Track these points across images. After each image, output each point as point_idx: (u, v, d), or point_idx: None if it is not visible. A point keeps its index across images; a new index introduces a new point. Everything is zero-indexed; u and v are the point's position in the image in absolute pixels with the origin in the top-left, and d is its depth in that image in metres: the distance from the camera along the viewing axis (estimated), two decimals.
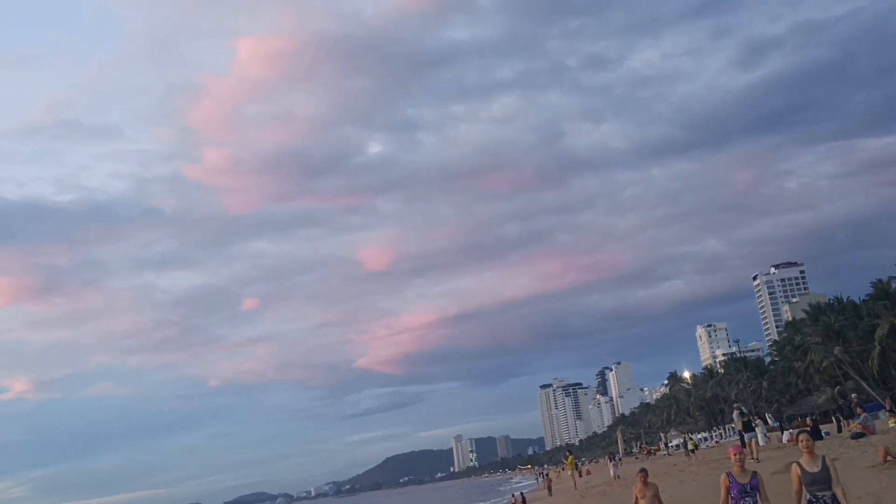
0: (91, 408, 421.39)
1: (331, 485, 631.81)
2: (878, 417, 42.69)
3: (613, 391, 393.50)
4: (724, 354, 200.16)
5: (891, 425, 35.93)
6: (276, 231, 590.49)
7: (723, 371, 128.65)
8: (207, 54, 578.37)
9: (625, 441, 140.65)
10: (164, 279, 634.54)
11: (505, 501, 79.44)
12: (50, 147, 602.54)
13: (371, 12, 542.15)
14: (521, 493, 63.66)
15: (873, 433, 33.30)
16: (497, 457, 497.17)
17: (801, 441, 9.93)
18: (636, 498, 13.80)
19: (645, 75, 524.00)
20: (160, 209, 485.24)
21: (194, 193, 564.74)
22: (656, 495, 13.66)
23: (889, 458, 20.86)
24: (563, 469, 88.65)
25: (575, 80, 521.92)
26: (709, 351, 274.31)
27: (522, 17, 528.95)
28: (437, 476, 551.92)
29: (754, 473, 10.16)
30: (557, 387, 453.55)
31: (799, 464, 9.77)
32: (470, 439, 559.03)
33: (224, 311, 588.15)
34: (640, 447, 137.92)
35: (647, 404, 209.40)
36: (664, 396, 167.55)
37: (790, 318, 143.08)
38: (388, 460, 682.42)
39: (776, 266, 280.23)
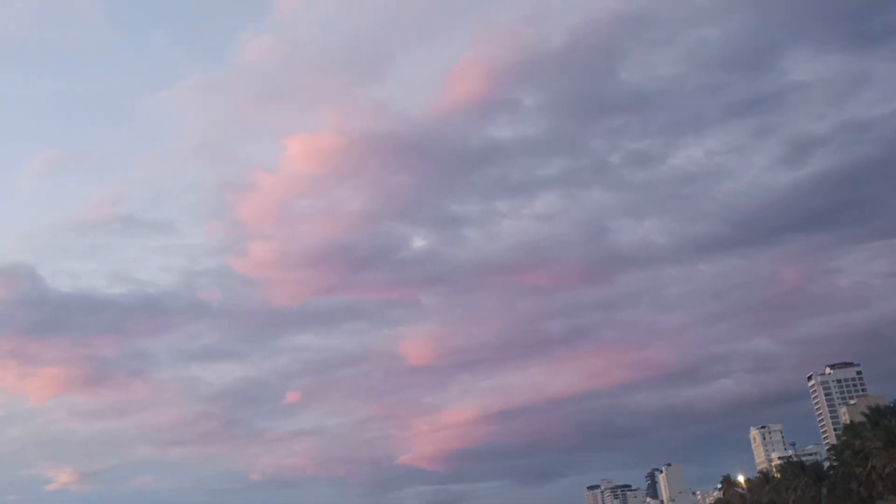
0: (133, 501, 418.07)
1: None
2: None
3: (664, 494, 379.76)
4: (779, 458, 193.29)
5: None
6: (320, 324, 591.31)
7: (779, 476, 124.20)
8: (258, 152, 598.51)
9: None
10: (209, 371, 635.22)
11: None
12: (104, 241, 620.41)
13: (416, 112, 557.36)
14: None
15: None
16: None
17: None
18: None
19: (689, 172, 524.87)
20: (207, 302, 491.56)
21: (241, 287, 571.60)
22: None
23: None
24: None
25: (618, 177, 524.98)
26: (764, 454, 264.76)
27: (565, 117, 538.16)
28: None
29: None
30: (605, 488, 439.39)
31: None
32: None
33: (267, 405, 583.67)
34: None
35: None
36: (718, 501, 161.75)
37: (848, 421, 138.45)
38: None
39: (831, 366, 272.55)
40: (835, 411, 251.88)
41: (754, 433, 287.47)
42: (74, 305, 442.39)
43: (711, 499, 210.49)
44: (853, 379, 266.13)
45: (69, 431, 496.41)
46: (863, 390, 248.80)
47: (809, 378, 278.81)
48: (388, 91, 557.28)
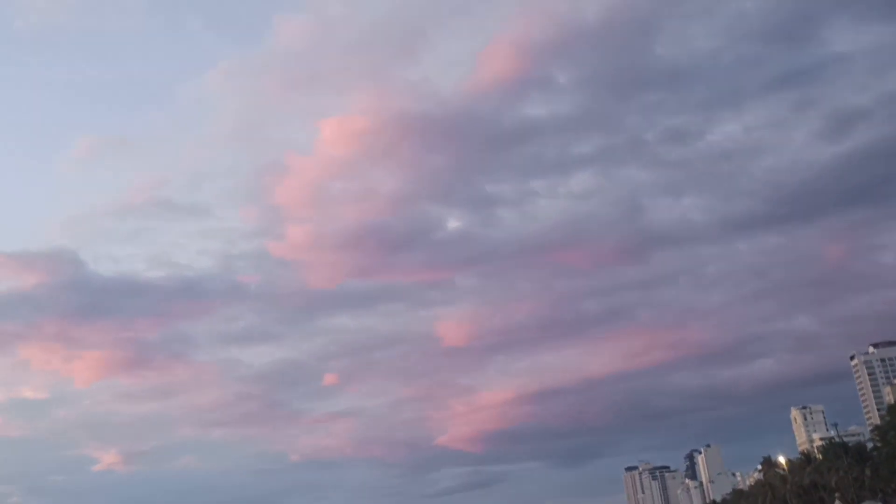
0: (177, 480, 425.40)
1: None
2: None
3: (703, 476, 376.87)
4: (821, 439, 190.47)
5: None
6: (356, 306, 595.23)
7: (821, 457, 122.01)
8: (292, 135, 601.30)
9: None
10: (247, 353, 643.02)
11: None
12: (144, 225, 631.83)
13: (449, 92, 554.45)
14: None
15: None
16: None
17: None
18: None
19: (727, 149, 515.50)
20: (245, 285, 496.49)
21: (277, 269, 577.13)
22: None
23: None
24: None
25: (654, 155, 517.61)
26: (805, 435, 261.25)
27: (600, 94, 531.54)
28: None
29: None
30: (643, 469, 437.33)
31: None
32: None
33: (305, 386, 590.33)
34: None
35: (741, 491, 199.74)
36: (758, 483, 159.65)
37: (893, 401, 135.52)
38: None
39: (875, 345, 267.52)
40: (878, 391, 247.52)
41: (795, 414, 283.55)
42: (116, 289, 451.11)
43: (751, 480, 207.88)
44: None
45: (114, 413, 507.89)
46: None
47: (852, 357, 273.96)
48: (421, 71, 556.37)
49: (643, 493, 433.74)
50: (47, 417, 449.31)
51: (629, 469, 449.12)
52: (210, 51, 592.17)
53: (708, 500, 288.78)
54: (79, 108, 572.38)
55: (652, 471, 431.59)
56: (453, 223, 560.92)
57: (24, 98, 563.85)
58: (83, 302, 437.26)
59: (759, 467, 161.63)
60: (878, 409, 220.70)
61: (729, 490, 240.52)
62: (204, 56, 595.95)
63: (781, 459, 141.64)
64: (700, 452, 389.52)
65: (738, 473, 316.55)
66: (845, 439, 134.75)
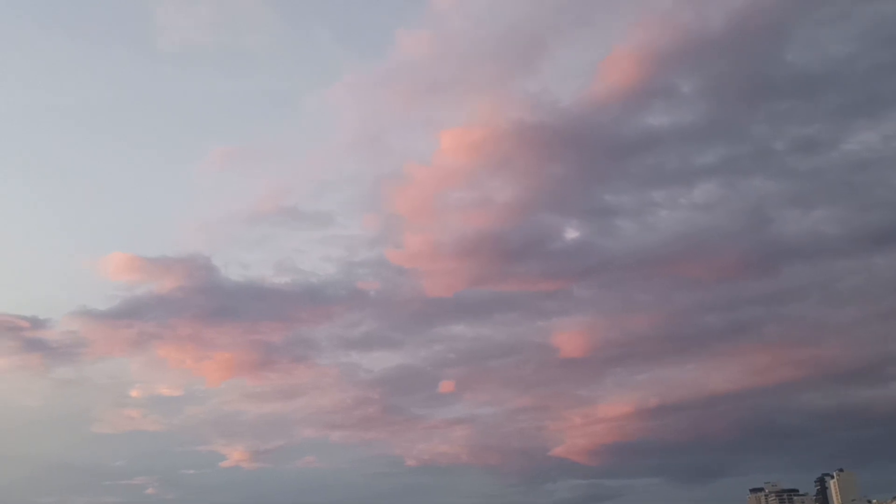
0: (298, 479, 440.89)
1: None
2: None
3: (835, 501, 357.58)
4: None
5: None
6: (473, 314, 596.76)
7: None
8: (413, 145, 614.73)
9: None
10: (367, 358, 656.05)
11: None
12: (270, 232, 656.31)
13: (568, 101, 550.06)
14: None
15: None
16: None
17: None
18: None
19: (863, 158, 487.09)
20: (365, 291, 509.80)
21: (396, 277, 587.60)
22: None
23: None
24: None
25: (783, 165, 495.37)
26: None
27: (725, 102, 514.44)
28: None
29: None
30: (770, 492, 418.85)
31: None
32: None
33: (421, 392, 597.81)
34: None
35: None
36: None
37: None
38: None
39: None
40: None
41: None
42: (245, 293, 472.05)
43: None
44: None
45: (240, 412, 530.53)
46: None
47: None
48: (541, 81, 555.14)
49: None
50: (181, 414, 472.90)
51: (754, 490, 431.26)
52: (336, 64, 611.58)
53: None
54: (213, 120, 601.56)
55: (779, 493, 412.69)
56: (571, 233, 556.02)
57: (165, 111, 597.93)
58: (215, 305, 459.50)
59: None
60: None
61: None
62: (330, 69, 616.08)
63: None
64: (832, 476, 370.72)
65: (874, 501, 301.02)
66: None
